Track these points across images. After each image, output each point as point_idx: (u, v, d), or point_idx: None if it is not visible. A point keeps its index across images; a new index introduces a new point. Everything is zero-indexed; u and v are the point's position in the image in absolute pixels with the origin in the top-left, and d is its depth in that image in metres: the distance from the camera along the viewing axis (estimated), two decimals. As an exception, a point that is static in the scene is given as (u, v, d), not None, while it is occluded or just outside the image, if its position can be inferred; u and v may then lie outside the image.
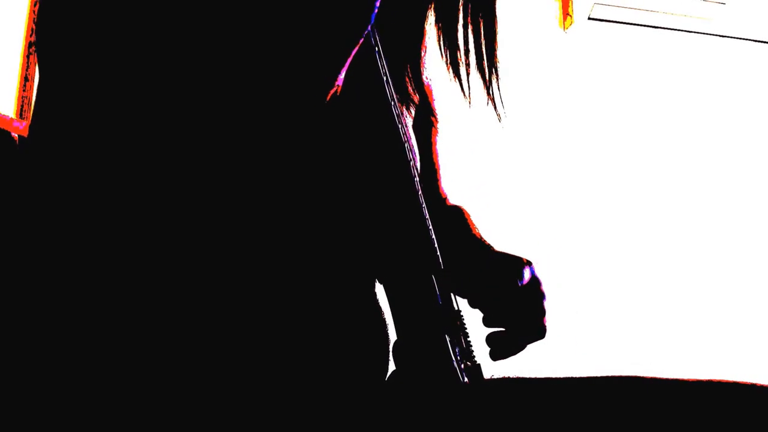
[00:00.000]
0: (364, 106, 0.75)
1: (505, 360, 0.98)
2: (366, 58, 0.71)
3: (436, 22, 0.99)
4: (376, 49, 0.72)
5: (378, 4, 0.62)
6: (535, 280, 0.91)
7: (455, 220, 1.07)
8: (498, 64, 0.97)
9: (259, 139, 0.67)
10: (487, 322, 0.92)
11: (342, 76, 0.64)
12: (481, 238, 1.02)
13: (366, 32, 0.63)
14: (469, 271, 0.92)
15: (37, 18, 0.71)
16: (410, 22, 1.00)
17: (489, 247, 0.99)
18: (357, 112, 0.76)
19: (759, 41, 2.58)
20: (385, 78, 0.73)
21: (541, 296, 0.91)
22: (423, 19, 1.00)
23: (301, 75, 0.63)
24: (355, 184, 0.80)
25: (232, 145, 0.68)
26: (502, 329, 0.91)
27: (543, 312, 0.91)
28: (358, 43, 0.63)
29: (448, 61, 0.99)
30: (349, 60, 0.64)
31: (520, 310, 0.90)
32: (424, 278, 0.82)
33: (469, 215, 1.09)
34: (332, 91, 0.64)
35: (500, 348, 0.91)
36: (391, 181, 0.79)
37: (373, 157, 0.79)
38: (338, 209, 0.81)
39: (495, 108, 0.97)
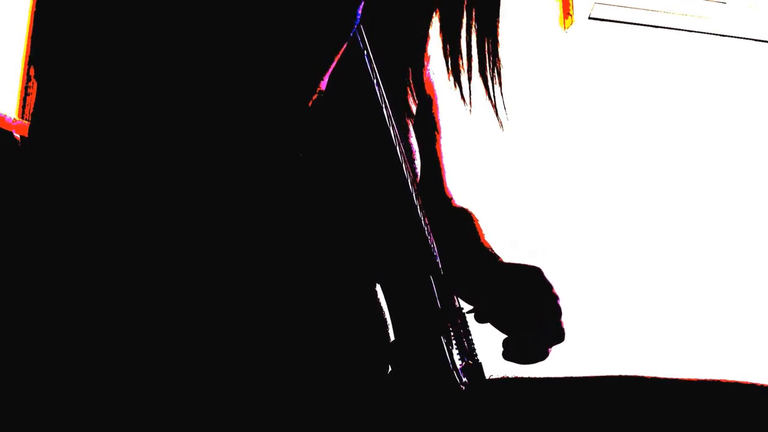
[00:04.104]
0: (356, 109, 0.75)
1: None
2: (358, 61, 0.72)
3: (441, 27, 0.99)
4: (365, 52, 0.72)
5: (360, 12, 0.63)
6: (546, 285, 0.91)
7: (461, 222, 1.07)
8: (501, 70, 0.97)
9: (249, 141, 0.68)
10: (502, 329, 0.92)
11: (325, 81, 0.65)
12: (487, 244, 1.02)
13: (348, 39, 0.64)
14: (476, 282, 0.92)
15: (35, 19, 0.71)
16: (414, 26, 1.00)
17: (494, 255, 0.99)
18: (348, 116, 0.76)
19: (759, 40, 2.58)
20: (375, 81, 0.74)
21: (555, 299, 0.91)
22: (428, 23, 1.00)
23: (282, 80, 0.63)
24: (349, 187, 0.80)
25: (225, 147, 0.68)
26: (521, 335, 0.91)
27: (559, 313, 0.90)
28: (340, 49, 0.64)
29: (450, 67, 0.99)
30: (332, 66, 0.64)
31: (536, 317, 0.90)
32: (420, 279, 0.82)
33: (475, 217, 1.09)
34: (314, 96, 0.64)
35: (522, 354, 0.91)
36: (383, 183, 0.80)
37: (364, 159, 0.79)
38: (334, 212, 0.81)
39: (497, 114, 0.98)
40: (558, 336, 0.90)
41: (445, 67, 0.99)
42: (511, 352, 0.90)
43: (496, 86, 0.97)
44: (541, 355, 0.90)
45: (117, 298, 0.71)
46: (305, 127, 0.70)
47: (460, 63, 0.97)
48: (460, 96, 0.98)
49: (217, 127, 0.66)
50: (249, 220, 0.76)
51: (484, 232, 1.06)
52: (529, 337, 0.89)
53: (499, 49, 0.97)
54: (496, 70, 0.96)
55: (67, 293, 0.70)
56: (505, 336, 0.91)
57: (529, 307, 0.90)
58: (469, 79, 0.98)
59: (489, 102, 0.97)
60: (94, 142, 0.69)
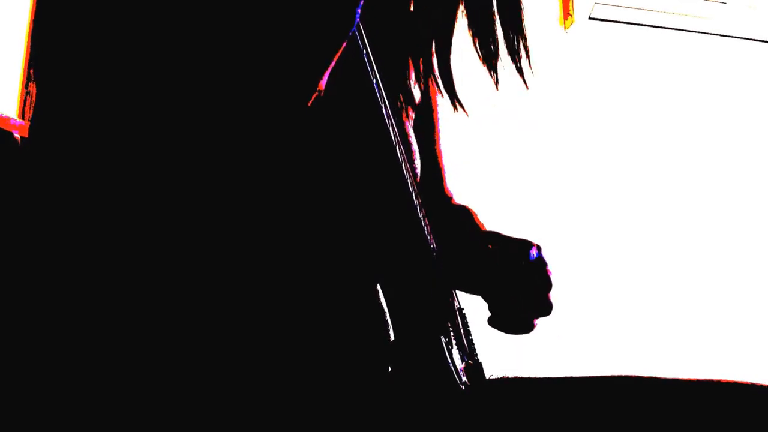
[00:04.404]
0: (356, 109, 0.75)
1: (506, 359, 0.98)
2: (357, 61, 0.72)
3: (468, 19, 1.00)
4: (364, 52, 0.72)
5: (359, 11, 0.63)
6: (540, 259, 0.93)
7: (460, 219, 1.07)
8: (528, 50, 0.99)
9: (248, 141, 0.68)
10: (491, 303, 0.93)
11: (324, 80, 0.65)
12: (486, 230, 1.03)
13: (347, 38, 0.64)
14: (475, 270, 0.93)
15: (35, 20, 0.71)
16: (410, 20, 1.00)
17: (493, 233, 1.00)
18: (348, 116, 0.76)
19: (759, 40, 2.58)
20: (375, 80, 0.74)
21: (546, 272, 0.92)
22: (453, 19, 1.01)
23: (282, 79, 0.64)
24: (349, 186, 0.80)
25: (225, 147, 0.68)
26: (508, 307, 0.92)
27: (548, 287, 0.91)
28: (339, 49, 0.64)
29: (482, 55, 1.00)
30: (332, 65, 0.64)
31: (525, 286, 0.91)
32: (420, 279, 0.82)
33: (476, 215, 1.09)
34: (314, 96, 0.65)
35: (506, 324, 0.92)
36: (383, 183, 0.80)
37: (363, 159, 0.79)
38: (335, 211, 0.81)
39: (524, 78, 0.99)
40: (544, 309, 0.91)
41: (478, 55, 1.00)
42: (496, 320, 0.91)
43: (525, 65, 0.98)
44: (527, 326, 0.91)
45: (117, 298, 0.71)
46: (305, 127, 0.71)
47: (492, 51, 0.98)
48: (494, 84, 1.00)
49: (217, 127, 0.66)
50: (249, 220, 0.76)
51: (484, 227, 1.06)
52: (515, 306, 0.91)
53: (525, 30, 0.98)
54: (523, 50, 0.98)
55: (68, 293, 0.70)
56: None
57: (518, 278, 0.91)
58: (496, 63, 0.99)
59: (519, 75, 0.98)
60: (94, 142, 0.69)
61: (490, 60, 0.99)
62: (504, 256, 0.93)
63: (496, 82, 1.00)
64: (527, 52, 0.98)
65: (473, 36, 0.99)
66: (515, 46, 0.98)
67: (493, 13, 0.98)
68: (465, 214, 1.09)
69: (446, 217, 1.09)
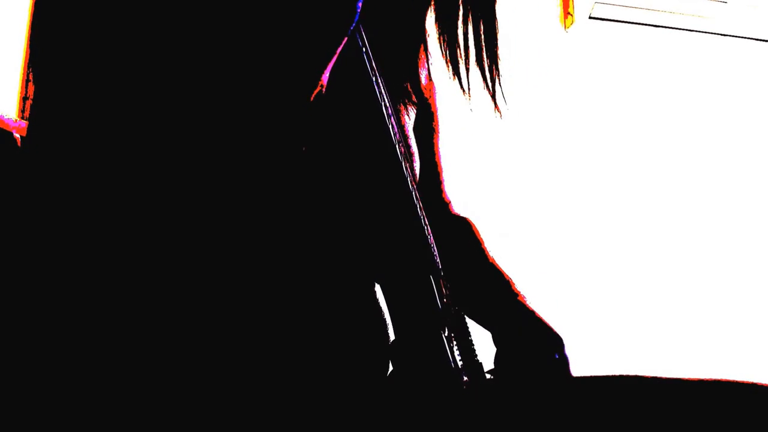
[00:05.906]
0: (354, 107, 0.75)
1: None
2: (357, 60, 0.72)
3: (436, 20, 0.99)
4: (364, 50, 0.72)
5: (360, 6, 0.63)
6: (563, 358, 0.95)
7: (462, 233, 1.07)
8: (499, 61, 0.97)
9: (248, 139, 0.68)
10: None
11: (326, 76, 0.65)
12: (494, 261, 1.03)
13: (348, 33, 0.64)
14: (487, 312, 0.94)
15: (33, 20, 0.71)
16: (410, 21, 1.00)
17: (506, 280, 1.01)
18: (348, 115, 0.76)
19: (760, 40, 2.58)
20: (374, 79, 0.74)
21: (568, 372, 0.94)
22: (423, 18, 1.00)
23: (283, 75, 0.64)
24: (348, 185, 0.80)
25: (224, 145, 0.68)
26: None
27: (567, 379, 0.94)
28: (339, 44, 0.64)
29: (448, 59, 0.99)
30: (333, 60, 0.64)
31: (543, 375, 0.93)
32: (420, 279, 0.82)
33: (476, 228, 1.09)
34: (316, 91, 0.65)
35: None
36: (382, 181, 0.80)
37: (364, 157, 0.79)
38: (334, 210, 0.81)
39: (495, 104, 0.98)
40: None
41: (444, 60, 0.99)
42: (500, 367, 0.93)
43: (495, 76, 0.97)
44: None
45: (117, 298, 0.71)
46: (307, 122, 0.70)
47: (459, 54, 0.98)
48: (459, 87, 0.99)
49: (218, 124, 0.66)
50: (249, 218, 0.76)
51: (485, 243, 1.07)
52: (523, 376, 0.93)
53: (497, 37, 0.97)
54: (494, 61, 0.97)
55: (68, 293, 0.70)
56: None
57: (539, 369, 0.93)
58: (467, 70, 0.98)
59: (487, 91, 0.97)
60: (94, 142, 0.69)
61: (456, 68, 0.98)
62: (530, 348, 0.95)
63: (464, 90, 0.99)
64: (498, 73, 0.97)
65: (441, 44, 0.99)
66: (486, 68, 0.97)
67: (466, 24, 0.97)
68: (465, 227, 1.09)
69: (445, 225, 1.08)
